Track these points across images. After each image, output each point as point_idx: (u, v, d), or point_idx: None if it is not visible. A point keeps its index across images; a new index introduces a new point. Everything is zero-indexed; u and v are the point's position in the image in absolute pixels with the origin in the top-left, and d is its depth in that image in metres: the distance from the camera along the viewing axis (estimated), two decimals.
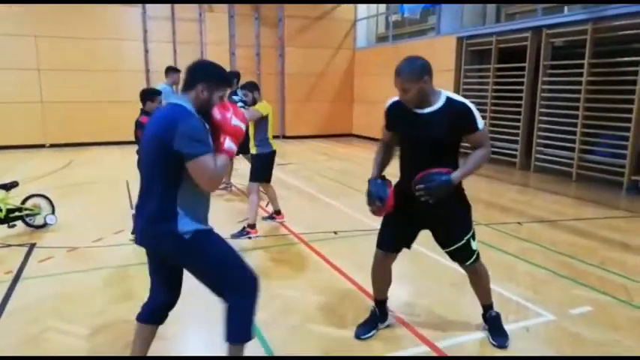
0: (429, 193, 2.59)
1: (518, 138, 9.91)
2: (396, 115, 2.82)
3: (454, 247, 2.82)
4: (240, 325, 2.26)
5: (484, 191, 7.69)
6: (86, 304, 3.48)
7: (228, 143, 2.19)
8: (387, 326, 3.14)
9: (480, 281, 3.00)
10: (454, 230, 2.81)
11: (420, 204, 2.66)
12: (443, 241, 2.88)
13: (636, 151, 7.61)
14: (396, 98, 2.78)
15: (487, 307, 3.05)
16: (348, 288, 3.82)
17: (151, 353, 2.54)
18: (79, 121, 12.34)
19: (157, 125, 2.16)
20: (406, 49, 12.84)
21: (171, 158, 2.06)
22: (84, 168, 9.52)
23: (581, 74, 8.37)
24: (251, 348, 2.88)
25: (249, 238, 4.91)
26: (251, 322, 2.27)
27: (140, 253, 4.63)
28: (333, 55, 15.06)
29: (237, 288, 2.25)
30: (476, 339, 3.04)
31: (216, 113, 2.20)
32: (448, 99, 2.67)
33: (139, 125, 4.75)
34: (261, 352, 2.85)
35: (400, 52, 13.11)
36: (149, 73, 12.86)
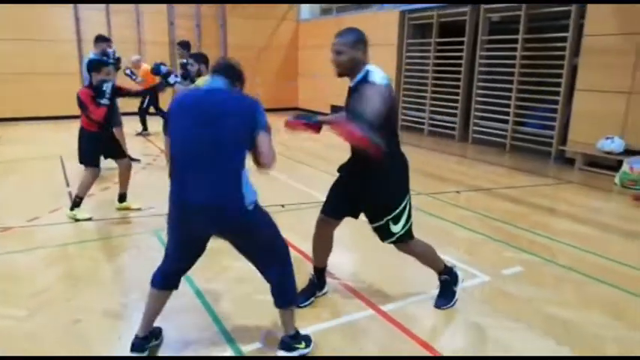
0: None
1: (457, 111, 10.28)
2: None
3: (374, 224, 2.93)
4: (291, 291, 2.54)
5: (424, 162, 7.97)
6: (24, 285, 3.34)
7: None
8: (324, 294, 3.25)
9: (418, 258, 3.13)
10: (376, 210, 2.88)
11: (354, 181, 2.83)
12: (367, 217, 2.98)
13: (563, 122, 8.13)
14: None
15: (440, 272, 3.20)
16: (296, 258, 3.87)
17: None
18: (8, 96, 11.48)
19: (230, 104, 2.39)
20: (350, 21, 12.84)
21: (248, 135, 2.35)
22: (14, 144, 8.92)
23: (515, 49, 8.75)
24: (199, 319, 2.91)
25: None
26: (296, 288, 2.57)
27: (78, 232, 4.50)
28: (276, 26, 14.78)
29: (283, 258, 2.51)
30: (417, 301, 3.22)
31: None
32: (366, 72, 2.74)
33: (77, 98, 4.50)
34: (210, 321, 2.87)
35: (343, 24, 13.01)
36: (81, 42, 12.10)
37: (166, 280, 2.52)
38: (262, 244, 2.46)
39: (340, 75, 2.81)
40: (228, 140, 2.31)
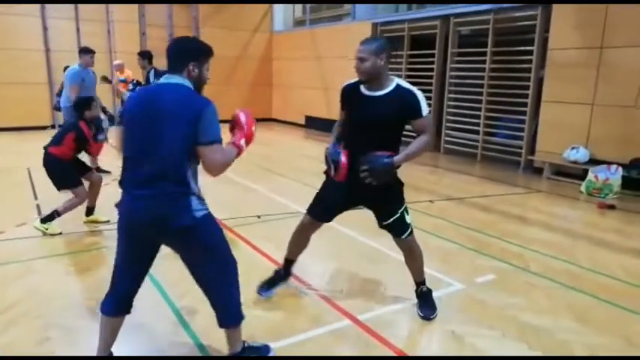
0: (372, 174, 2.79)
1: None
2: (349, 95, 2.98)
3: (391, 219, 3.01)
4: (237, 307, 2.40)
5: (400, 173, 8.04)
6: None
7: (243, 142, 2.45)
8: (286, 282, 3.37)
9: (415, 258, 3.19)
10: (391, 205, 3.02)
11: (362, 181, 2.82)
12: (381, 215, 3.06)
13: (531, 133, 8.37)
14: (352, 81, 2.95)
15: (420, 283, 3.24)
16: (271, 269, 3.85)
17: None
18: None
19: (176, 104, 2.16)
20: (323, 33, 12.98)
21: (192, 140, 2.13)
22: None
23: (484, 62, 9.00)
24: (176, 335, 2.85)
25: None
26: (240, 302, 2.43)
27: (46, 246, 4.37)
28: (250, 37, 14.81)
29: (230, 272, 2.37)
30: (394, 310, 3.23)
31: (244, 116, 2.48)
32: (397, 85, 2.86)
33: (76, 128, 4.52)
34: (186, 338, 2.82)
35: (317, 36, 13.23)
36: (49, 52, 11.83)
37: (119, 306, 2.37)
38: (208, 255, 2.29)
39: (364, 82, 2.88)
40: (167, 146, 2.11)
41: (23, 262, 3.91)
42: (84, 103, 4.67)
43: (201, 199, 2.25)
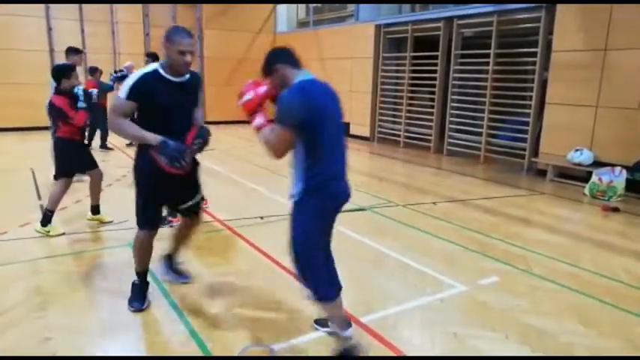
0: (204, 143, 3.02)
1: (432, 124, 10.45)
2: (154, 86, 2.88)
3: (197, 197, 3.21)
4: None
5: (402, 174, 8.05)
6: None
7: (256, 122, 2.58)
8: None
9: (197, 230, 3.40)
10: (197, 184, 3.23)
11: (180, 175, 2.93)
12: (191, 195, 3.19)
13: (535, 135, 8.34)
14: (149, 70, 2.90)
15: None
16: (273, 270, 3.86)
17: None
18: None
19: (335, 99, 2.61)
20: (326, 34, 12.98)
21: None
22: None
23: (487, 63, 8.98)
24: (176, 332, 2.85)
25: (171, 226, 4.77)
26: None
27: (48, 247, 4.36)
28: (253, 39, 14.83)
29: None
30: (395, 312, 3.22)
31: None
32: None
33: (52, 107, 4.41)
34: (188, 336, 2.82)
35: (320, 37, 13.23)
36: (53, 53, 11.88)
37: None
38: None
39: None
40: (341, 136, 2.60)
41: (26, 262, 3.92)
42: (63, 71, 4.51)
43: None
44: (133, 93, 2.80)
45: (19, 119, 11.29)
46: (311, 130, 2.37)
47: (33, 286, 3.49)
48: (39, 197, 5.76)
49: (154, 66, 2.91)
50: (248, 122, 2.56)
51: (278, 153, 2.43)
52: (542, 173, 7.97)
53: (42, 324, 2.96)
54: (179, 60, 2.82)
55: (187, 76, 2.97)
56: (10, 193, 6.06)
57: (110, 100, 6.69)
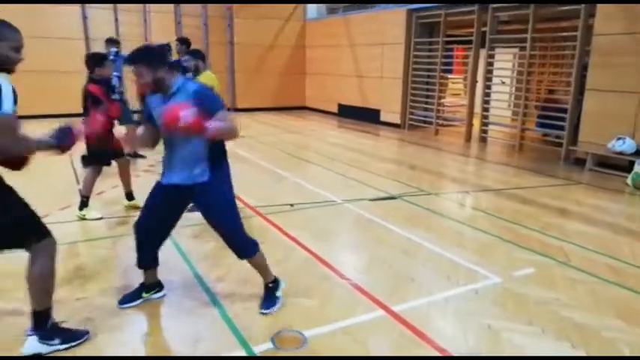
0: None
1: (464, 110, 10.22)
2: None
3: None
4: None
5: (434, 162, 7.92)
6: None
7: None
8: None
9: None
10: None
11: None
12: None
13: (573, 122, 8.05)
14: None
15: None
16: (305, 257, 3.87)
17: None
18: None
19: None
20: (357, 20, 12.82)
21: None
22: None
23: (524, 48, 8.68)
24: (210, 317, 2.90)
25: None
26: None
27: (88, 229, 4.50)
28: (282, 26, 14.78)
29: None
30: (428, 302, 3.18)
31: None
32: None
33: (87, 94, 4.50)
34: (222, 323, 2.86)
35: (350, 23, 13.07)
36: (88, 41, 12.14)
37: None
38: None
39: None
40: None
41: (66, 244, 4.04)
42: (97, 60, 4.58)
43: None
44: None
45: (56, 106, 11.61)
46: None
47: (73, 267, 3.61)
48: (77, 182, 5.94)
49: None
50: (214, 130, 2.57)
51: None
52: (580, 162, 7.70)
53: (82, 304, 3.06)
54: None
55: None
56: (50, 178, 6.25)
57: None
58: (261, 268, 3.09)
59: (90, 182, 4.71)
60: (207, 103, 2.66)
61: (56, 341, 2.56)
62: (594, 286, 3.49)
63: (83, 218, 4.66)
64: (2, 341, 2.67)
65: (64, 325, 2.69)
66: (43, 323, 2.55)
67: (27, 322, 2.58)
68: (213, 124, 2.56)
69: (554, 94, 9.59)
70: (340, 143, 9.33)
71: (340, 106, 13.92)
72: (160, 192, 2.91)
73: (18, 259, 2.64)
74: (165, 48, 4.89)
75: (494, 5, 9.14)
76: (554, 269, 3.76)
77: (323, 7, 15.02)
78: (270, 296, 3.08)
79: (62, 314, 2.93)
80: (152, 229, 2.94)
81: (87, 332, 2.70)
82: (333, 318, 2.95)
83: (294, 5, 14.74)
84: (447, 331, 2.87)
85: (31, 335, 2.54)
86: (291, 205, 5.22)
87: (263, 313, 2.97)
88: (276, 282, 3.14)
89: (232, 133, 2.71)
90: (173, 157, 2.83)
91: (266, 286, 3.11)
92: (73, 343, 2.61)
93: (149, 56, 2.70)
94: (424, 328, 2.84)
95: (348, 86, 13.21)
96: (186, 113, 2.48)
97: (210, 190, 2.81)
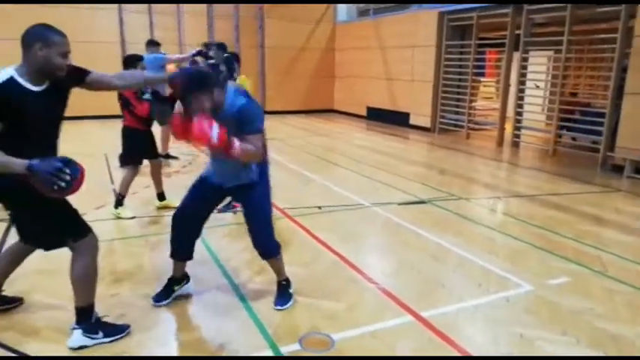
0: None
1: (497, 113, 10.04)
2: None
3: None
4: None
5: (464, 167, 7.80)
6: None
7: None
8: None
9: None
10: None
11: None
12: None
13: (611, 127, 7.80)
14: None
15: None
16: (333, 260, 3.88)
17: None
18: None
19: None
20: (387, 23, 12.76)
21: None
22: (62, 142, 9.26)
23: (560, 51, 8.47)
24: (239, 318, 2.93)
25: (234, 212, 4.91)
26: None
27: (123, 228, 4.62)
28: (313, 29, 14.84)
29: None
30: (458, 308, 3.13)
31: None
32: None
33: (120, 96, 4.65)
34: (250, 323, 2.89)
35: (381, 26, 13.02)
36: (125, 44, 12.48)
37: None
38: None
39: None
40: None
41: (102, 242, 4.15)
42: (132, 61, 4.77)
43: None
44: None
45: (98, 108, 11.97)
46: None
47: (108, 265, 3.71)
48: (112, 181, 6.11)
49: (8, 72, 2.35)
50: (226, 148, 2.56)
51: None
52: (618, 169, 7.45)
53: (116, 301, 3.15)
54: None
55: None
56: (87, 177, 6.45)
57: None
58: (280, 268, 3.19)
59: (128, 181, 4.85)
60: (246, 122, 2.66)
61: (100, 334, 2.65)
62: (632, 297, 3.36)
63: (118, 217, 4.79)
64: (49, 335, 2.77)
65: (105, 320, 2.76)
66: (87, 318, 2.64)
67: (72, 317, 2.67)
68: (238, 147, 2.58)
69: (577, 97, 9.32)
70: (368, 146, 9.30)
71: (369, 109, 13.88)
72: (201, 185, 3.03)
73: (62, 258, 2.71)
74: (216, 68, 4.96)
75: (530, 7, 8.95)
76: (590, 278, 3.65)
77: (353, 10, 15.02)
78: (284, 293, 3.17)
79: (100, 310, 3.01)
80: (188, 217, 3.03)
81: (128, 326, 2.77)
82: (361, 322, 2.94)
83: (325, 7, 14.79)
84: (477, 338, 2.82)
85: (76, 329, 2.63)
86: (319, 207, 5.23)
87: (279, 309, 3.04)
88: (288, 280, 3.23)
89: (254, 158, 2.78)
90: (215, 161, 2.97)
91: (280, 284, 3.20)
92: (117, 337, 2.68)
93: (205, 84, 2.55)
94: (453, 336, 2.80)
95: (377, 89, 13.16)
96: (214, 134, 2.49)
97: (256, 187, 2.94)
